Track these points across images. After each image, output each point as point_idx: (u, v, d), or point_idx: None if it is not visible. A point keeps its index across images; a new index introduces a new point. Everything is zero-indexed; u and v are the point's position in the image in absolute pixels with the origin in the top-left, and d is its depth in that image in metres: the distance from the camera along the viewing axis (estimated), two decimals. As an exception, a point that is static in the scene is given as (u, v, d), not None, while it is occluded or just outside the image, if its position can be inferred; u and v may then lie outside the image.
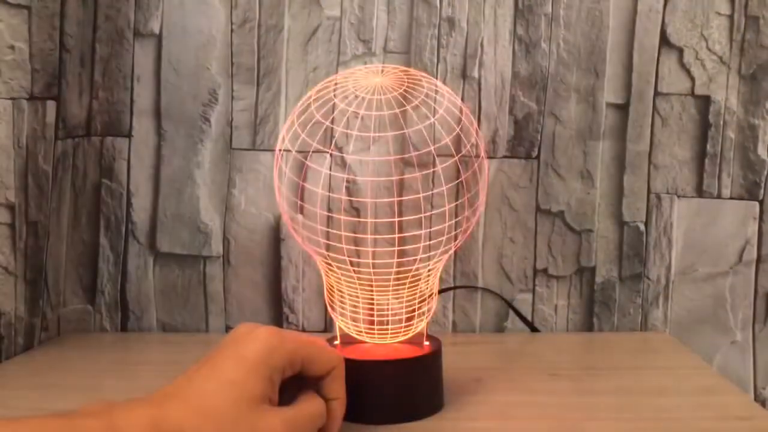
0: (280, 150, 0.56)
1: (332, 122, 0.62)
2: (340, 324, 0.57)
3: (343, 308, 0.56)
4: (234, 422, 0.42)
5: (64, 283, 0.77)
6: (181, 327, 0.78)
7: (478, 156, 0.56)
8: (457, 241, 0.56)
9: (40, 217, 0.70)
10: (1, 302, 0.66)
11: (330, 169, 0.77)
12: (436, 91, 0.57)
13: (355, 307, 0.55)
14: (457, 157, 0.54)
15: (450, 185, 0.56)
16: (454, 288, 0.78)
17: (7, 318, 0.67)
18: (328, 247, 0.54)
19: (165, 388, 0.44)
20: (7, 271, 0.66)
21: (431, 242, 0.54)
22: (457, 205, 0.56)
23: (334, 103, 0.55)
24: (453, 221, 0.54)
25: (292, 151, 0.55)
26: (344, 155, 0.76)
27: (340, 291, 0.56)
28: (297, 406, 0.46)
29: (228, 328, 0.78)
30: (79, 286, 0.78)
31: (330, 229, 0.54)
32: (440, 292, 0.71)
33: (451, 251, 0.56)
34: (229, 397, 0.43)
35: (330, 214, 0.54)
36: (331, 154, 0.77)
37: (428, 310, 0.57)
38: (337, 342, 0.57)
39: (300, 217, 0.55)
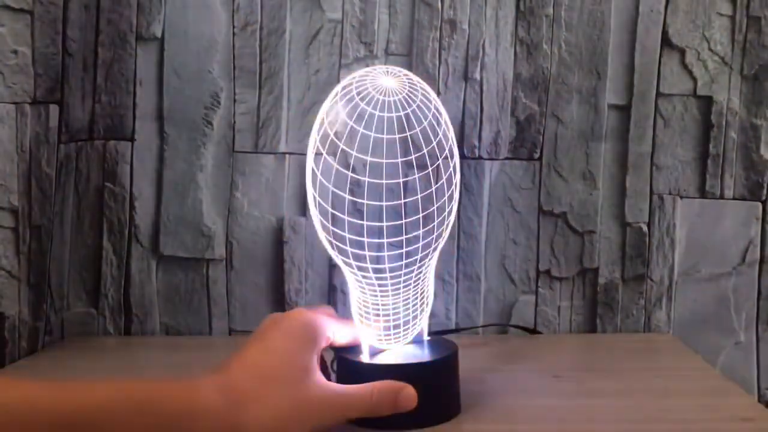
0: (316, 153, 0.55)
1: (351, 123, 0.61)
2: (367, 336, 0.56)
3: (368, 318, 0.56)
4: (288, 386, 0.46)
5: (68, 287, 0.77)
6: (184, 330, 0.78)
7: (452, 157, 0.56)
8: (438, 241, 0.56)
9: (43, 220, 0.70)
10: (5, 306, 0.66)
11: (335, 172, 0.77)
12: (426, 96, 0.56)
13: (377, 314, 0.55)
14: (431, 168, 0.54)
15: (425, 193, 0.55)
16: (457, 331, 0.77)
17: (11, 321, 0.67)
18: (354, 255, 0.54)
19: (221, 363, 0.47)
20: (10, 274, 0.67)
21: (419, 244, 0.54)
22: (436, 209, 0.56)
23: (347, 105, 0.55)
24: (434, 223, 0.55)
25: (323, 154, 0.55)
26: (355, 155, 0.75)
27: (365, 301, 0.55)
28: (350, 387, 0.50)
29: (231, 331, 0.78)
30: (82, 290, 0.78)
31: (352, 236, 0.54)
32: (441, 333, 0.70)
33: (437, 250, 0.56)
34: (283, 364, 0.47)
35: (362, 222, 0.53)
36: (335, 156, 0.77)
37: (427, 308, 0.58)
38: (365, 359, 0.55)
39: (319, 219, 0.55)
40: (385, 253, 0.53)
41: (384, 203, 0.53)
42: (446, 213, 0.54)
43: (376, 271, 0.53)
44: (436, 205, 0.54)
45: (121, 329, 0.78)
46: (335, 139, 0.53)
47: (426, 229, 0.54)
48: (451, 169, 0.55)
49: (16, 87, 0.66)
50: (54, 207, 0.72)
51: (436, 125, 0.54)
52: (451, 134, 0.56)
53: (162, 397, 0.42)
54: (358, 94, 0.53)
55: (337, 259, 0.54)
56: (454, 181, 0.55)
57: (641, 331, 0.79)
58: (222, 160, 0.77)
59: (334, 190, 0.53)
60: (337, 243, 0.53)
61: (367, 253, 0.52)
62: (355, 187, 0.78)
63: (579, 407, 0.57)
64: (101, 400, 0.40)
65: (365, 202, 0.53)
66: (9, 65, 0.65)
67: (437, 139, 0.54)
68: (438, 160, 0.54)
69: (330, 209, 0.53)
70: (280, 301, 0.78)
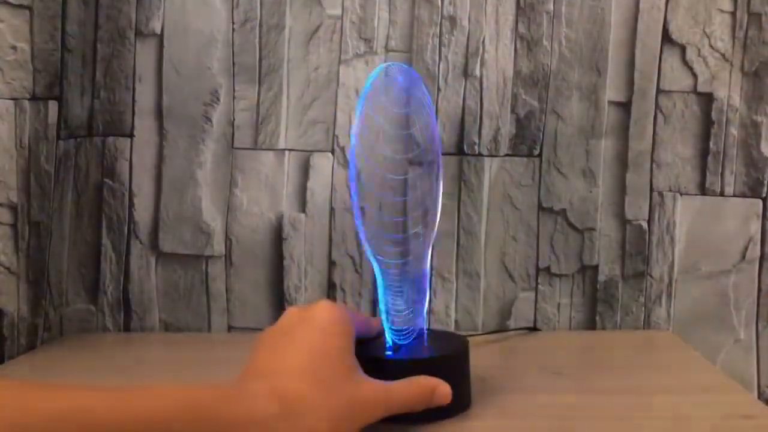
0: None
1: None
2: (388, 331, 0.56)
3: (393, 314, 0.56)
4: (340, 387, 0.45)
5: (67, 284, 0.77)
6: (183, 327, 0.78)
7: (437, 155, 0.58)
8: (433, 234, 0.57)
9: (42, 217, 0.70)
10: (3, 302, 0.66)
11: (333, 169, 0.77)
12: (423, 93, 0.57)
13: (399, 311, 0.56)
14: (425, 164, 0.56)
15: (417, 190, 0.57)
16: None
17: (9, 318, 0.67)
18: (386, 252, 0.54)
19: (254, 367, 0.45)
20: (9, 271, 0.66)
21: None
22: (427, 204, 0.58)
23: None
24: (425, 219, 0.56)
25: (361, 151, 0.55)
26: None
27: (389, 298, 0.56)
28: (390, 383, 0.48)
29: (230, 328, 0.78)
30: (81, 287, 0.78)
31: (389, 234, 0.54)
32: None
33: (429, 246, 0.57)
34: (332, 365, 0.45)
35: (398, 219, 0.53)
36: (335, 152, 0.77)
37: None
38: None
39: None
40: (394, 250, 0.53)
41: (405, 198, 0.54)
42: (437, 207, 0.57)
43: (397, 266, 0.54)
44: (431, 199, 0.55)
45: (120, 326, 0.78)
46: (369, 138, 0.53)
47: (426, 221, 0.55)
48: (438, 164, 0.57)
49: (14, 83, 0.66)
50: (53, 203, 0.72)
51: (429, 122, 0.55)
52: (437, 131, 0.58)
53: (217, 405, 0.40)
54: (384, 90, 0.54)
55: (371, 257, 0.54)
56: (440, 176, 0.57)
57: (641, 328, 0.79)
58: (221, 157, 0.77)
59: (367, 185, 0.53)
60: (375, 241, 0.53)
61: (391, 250, 0.53)
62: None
63: (579, 404, 0.57)
64: (156, 408, 0.38)
65: (394, 199, 0.53)
66: (8, 61, 0.65)
67: (428, 135, 0.55)
68: (429, 156, 0.55)
69: (373, 209, 0.53)
70: (279, 298, 0.78)
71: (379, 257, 0.54)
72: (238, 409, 0.40)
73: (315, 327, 0.47)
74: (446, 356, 0.55)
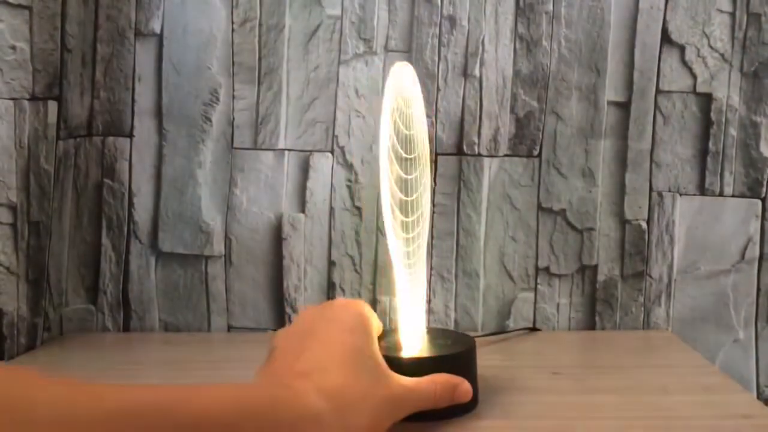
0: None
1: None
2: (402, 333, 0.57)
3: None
4: (375, 384, 0.45)
5: (67, 283, 0.77)
6: (183, 327, 0.78)
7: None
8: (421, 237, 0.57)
9: (41, 217, 0.70)
10: (3, 302, 0.66)
11: (332, 169, 0.77)
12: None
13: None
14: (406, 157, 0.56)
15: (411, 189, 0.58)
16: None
17: (9, 318, 0.67)
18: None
19: (280, 370, 0.45)
20: (9, 271, 0.66)
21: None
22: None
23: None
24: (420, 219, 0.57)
25: (401, 151, 0.55)
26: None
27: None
28: (415, 380, 0.49)
29: (230, 328, 0.78)
30: (81, 286, 0.78)
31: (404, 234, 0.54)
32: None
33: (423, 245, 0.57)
34: (367, 363, 0.46)
35: (406, 219, 0.54)
36: (333, 153, 0.77)
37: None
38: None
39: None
40: (408, 248, 0.54)
41: (409, 198, 0.54)
42: (432, 206, 0.58)
43: (409, 266, 0.54)
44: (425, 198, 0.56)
45: (119, 326, 0.78)
46: (396, 143, 0.53)
47: (425, 221, 0.56)
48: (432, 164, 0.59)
49: (14, 83, 0.66)
50: (52, 203, 0.72)
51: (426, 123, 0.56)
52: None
53: (273, 405, 0.40)
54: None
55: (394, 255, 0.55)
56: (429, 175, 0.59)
57: (640, 328, 0.79)
58: (221, 157, 0.77)
59: (394, 189, 0.54)
60: (396, 240, 0.54)
61: (406, 249, 0.53)
62: (353, 184, 0.78)
63: (578, 404, 0.57)
64: (219, 409, 0.38)
65: (408, 198, 0.54)
66: (7, 61, 0.65)
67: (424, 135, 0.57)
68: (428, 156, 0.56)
69: (401, 215, 0.54)
70: (278, 298, 0.78)
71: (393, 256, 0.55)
72: (292, 409, 0.41)
73: (341, 326, 0.48)
74: (459, 354, 0.55)
